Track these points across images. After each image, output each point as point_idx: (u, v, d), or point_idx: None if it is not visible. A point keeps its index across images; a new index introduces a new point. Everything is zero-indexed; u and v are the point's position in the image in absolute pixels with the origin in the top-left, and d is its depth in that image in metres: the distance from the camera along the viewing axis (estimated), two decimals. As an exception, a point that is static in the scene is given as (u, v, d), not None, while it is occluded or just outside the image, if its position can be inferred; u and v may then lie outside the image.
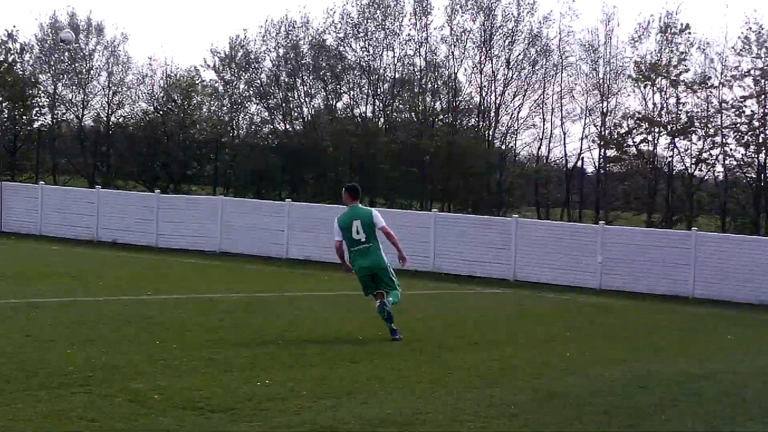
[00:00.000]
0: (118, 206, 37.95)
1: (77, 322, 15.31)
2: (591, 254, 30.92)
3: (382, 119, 51.01)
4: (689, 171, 44.67)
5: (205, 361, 12.32)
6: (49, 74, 53.98)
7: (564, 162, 49.13)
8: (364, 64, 49.89)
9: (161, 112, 52.29)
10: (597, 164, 48.19)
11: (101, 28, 54.07)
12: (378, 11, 49.38)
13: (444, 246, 32.86)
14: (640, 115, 45.25)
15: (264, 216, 35.69)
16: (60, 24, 53.28)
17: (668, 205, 44.48)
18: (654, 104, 45.51)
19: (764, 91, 42.53)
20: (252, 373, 11.71)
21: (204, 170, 52.76)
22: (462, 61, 49.05)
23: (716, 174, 45.45)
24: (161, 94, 53.09)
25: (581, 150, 47.96)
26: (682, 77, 44.51)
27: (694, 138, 44.42)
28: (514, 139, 50.41)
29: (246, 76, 51.93)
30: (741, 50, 42.88)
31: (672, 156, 45.04)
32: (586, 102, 47.77)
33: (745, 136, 42.84)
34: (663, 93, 45.24)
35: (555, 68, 48.36)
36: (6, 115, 52.57)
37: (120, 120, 53.98)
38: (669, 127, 44.59)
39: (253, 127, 53.20)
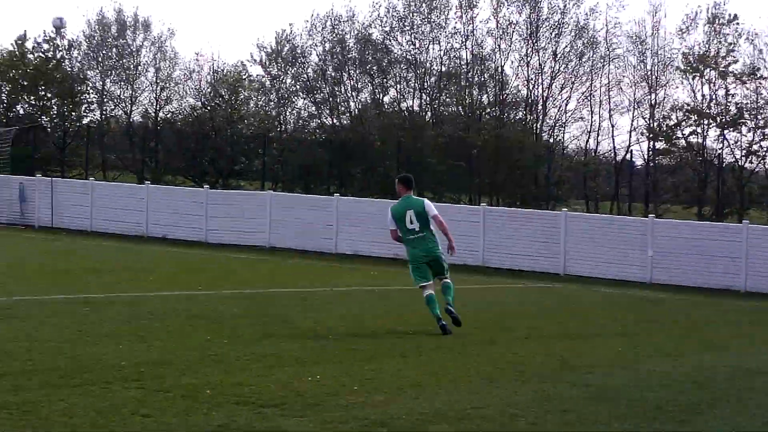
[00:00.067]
0: (167, 202, 38.23)
1: (128, 317, 15.41)
2: (640, 248, 30.71)
3: (429, 113, 51.01)
4: (739, 163, 44.30)
5: (256, 356, 12.34)
6: (97, 70, 54.47)
7: (612, 155, 48.92)
8: (410, 58, 49.89)
9: (209, 108, 52.55)
10: (646, 157, 47.98)
11: (148, 24, 54.55)
12: (424, 4, 49.38)
13: (493, 240, 32.79)
14: (689, 107, 44.94)
15: (312, 210, 35.78)
16: (107, 20, 53.75)
17: (719, 197, 44.10)
18: (703, 96, 45.26)
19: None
20: (303, 368, 11.71)
21: (252, 165, 52.87)
22: (508, 54, 49.03)
23: (767, 166, 45.05)
24: (208, 90, 53.38)
25: (630, 143, 47.80)
26: (730, 68, 44.18)
27: (744, 130, 44.10)
28: (561, 132, 50.35)
29: (292, 71, 52.13)
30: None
31: (722, 148, 44.77)
32: (634, 94, 47.59)
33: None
34: (712, 84, 44.92)
35: (602, 60, 48.20)
36: (55, 112, 53.04)
37: (168, 116, 54.42)
38: (718, 118, 44.23)
39: (300, 121, 53.38)
